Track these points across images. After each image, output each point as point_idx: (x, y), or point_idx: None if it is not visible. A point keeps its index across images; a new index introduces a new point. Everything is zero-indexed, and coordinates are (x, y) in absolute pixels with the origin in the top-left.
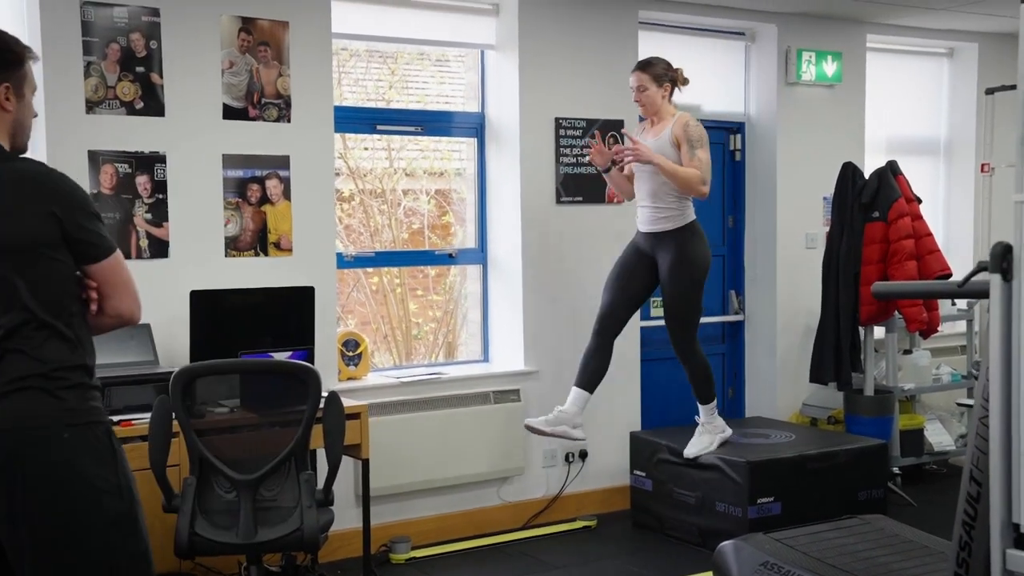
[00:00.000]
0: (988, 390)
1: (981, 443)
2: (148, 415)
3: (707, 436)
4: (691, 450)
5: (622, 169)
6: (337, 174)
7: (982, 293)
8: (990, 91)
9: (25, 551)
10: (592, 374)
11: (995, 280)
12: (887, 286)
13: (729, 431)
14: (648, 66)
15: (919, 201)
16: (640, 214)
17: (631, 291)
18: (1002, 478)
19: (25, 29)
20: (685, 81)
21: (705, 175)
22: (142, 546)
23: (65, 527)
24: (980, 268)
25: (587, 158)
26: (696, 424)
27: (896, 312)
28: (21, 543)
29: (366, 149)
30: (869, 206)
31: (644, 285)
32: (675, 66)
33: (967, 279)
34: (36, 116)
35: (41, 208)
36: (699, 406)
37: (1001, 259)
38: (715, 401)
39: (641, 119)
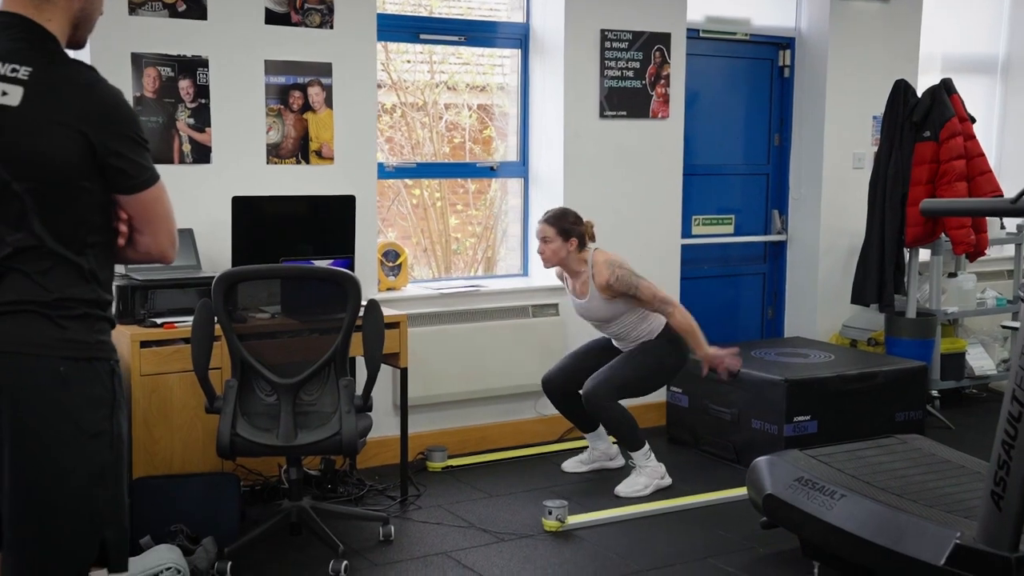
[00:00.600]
0: None
1: None
2: (190, 318)
3: (643, 478)
4: (623, 489)
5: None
6: (379, 85)
7: None
8: None
9: (2, 485)
10: (580, 419)
11: None
12: (936, 203)
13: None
14: (557, 219)
15: (973, 121)
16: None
17: (585, 369)
18: None
19: None
20: (592, 237)
21: (668, 300)
22: (121, 498)
23: (45, 467)
24: None
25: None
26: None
27: (943, 234)
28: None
29: (408, 61)
30: (920, 125)
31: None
32: (585, 220)
33: (1020, 195)
34: (102, 14)
35: (71, 127)
36: (631, 454)
37: None
38: (647, 447)
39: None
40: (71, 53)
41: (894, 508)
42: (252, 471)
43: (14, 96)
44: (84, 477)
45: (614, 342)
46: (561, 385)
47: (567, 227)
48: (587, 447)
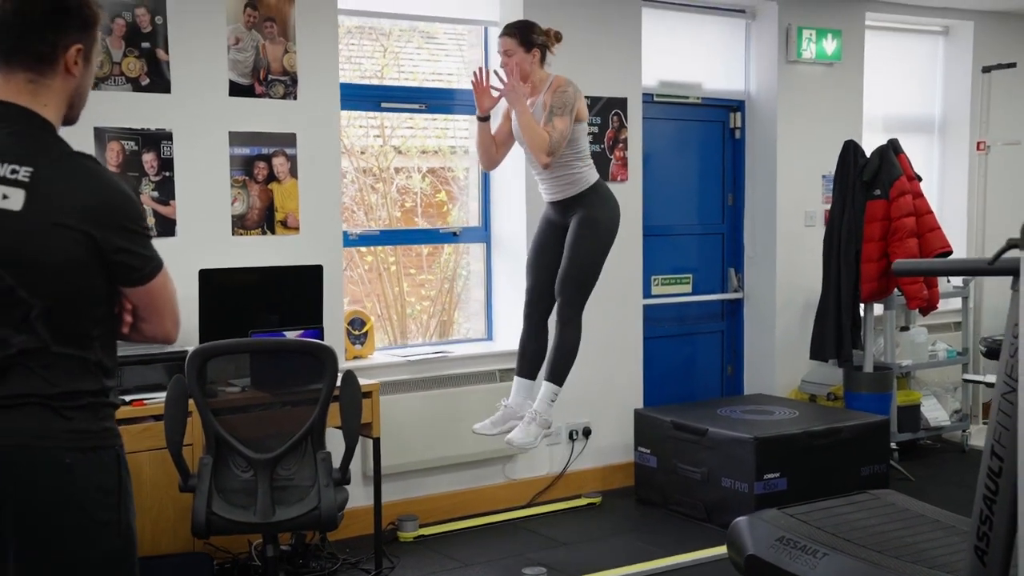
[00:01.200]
0: (1012, 366)
1: (1004, 419)
2: (159, 394)
3: (535, 428)
4: (516, 438)
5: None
6: None
7: (1011, 270)
8: (986, 69)
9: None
10: (531, 361)
11: None
12: (908, 264)
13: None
14: (519, 29)
15: (919, 179)
16: (540, 185)
17: (553, 267)
18: None
19: None
20: (558, 38)
21: (553, 145)
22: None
23: (55, 561)
24: (1010, 245)
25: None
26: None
27: (896, 289)
28: (6, 572)
29: (361, 127)
30: (870, 184)
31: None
32: (545, 27)
33: (997, 256)
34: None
35: (75, 228)
36: (544, 385)
37: None
38: (560, 389)
39: None
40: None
41: (877, 565)
42: (221, 549)
43: (15, 200)
44: (95, 568)
45: (550, 197)
46: (548, 295)
47: (530, 37)
48: (503, 406)
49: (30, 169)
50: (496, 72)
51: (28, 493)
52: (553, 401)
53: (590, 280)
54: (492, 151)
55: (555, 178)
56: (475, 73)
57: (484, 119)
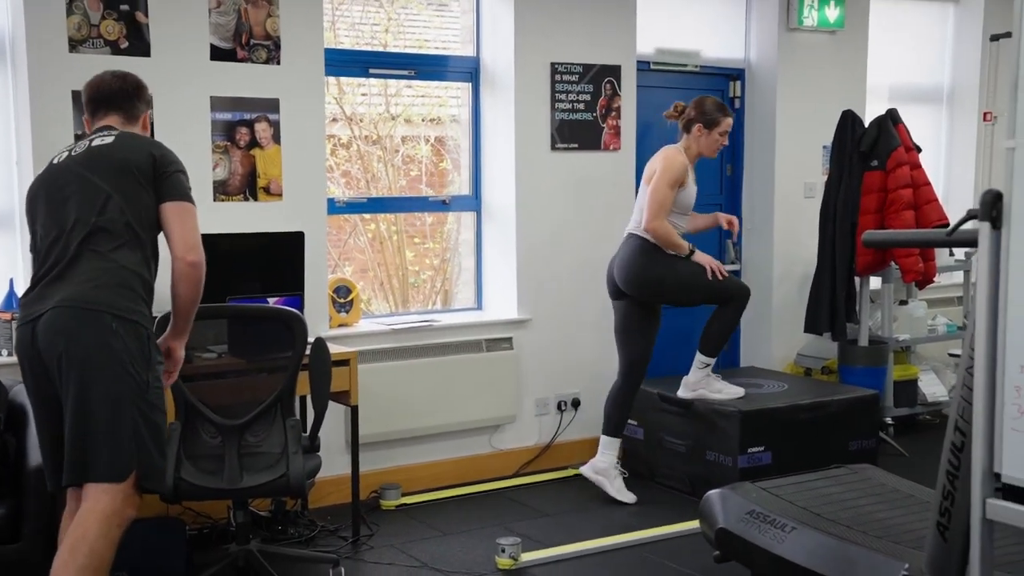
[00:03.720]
0: (973, 339)
1: (967, 393)
2: None
3: (720, 384)
4: (732, 391)
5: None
6: (334, 120)
7: (971, 242)
8: (995, 38)
9: (68, 404)
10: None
11: (984, 228)
12: (877, 235)
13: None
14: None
15: (919, 150)
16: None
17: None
18: (985, 427)
19: None
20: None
21: (651, 209)
22: (158, 436)
23: (97, 390)
24: (970, 216)
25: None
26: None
27: (892, 262)
28: (67, 397)
29: (363, 95)
30: (868, 155)
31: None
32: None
33: (956, 227)
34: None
35: (144, 150)
36: (701, 356)
37: (991, 207)
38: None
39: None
40: None
41: (844, 540)
42: (200, 514)
43: (109, 140)
44: (128, 396)
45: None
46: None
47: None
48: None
49: (118, 133)
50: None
51: (82, 340)
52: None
53: (701, 287)
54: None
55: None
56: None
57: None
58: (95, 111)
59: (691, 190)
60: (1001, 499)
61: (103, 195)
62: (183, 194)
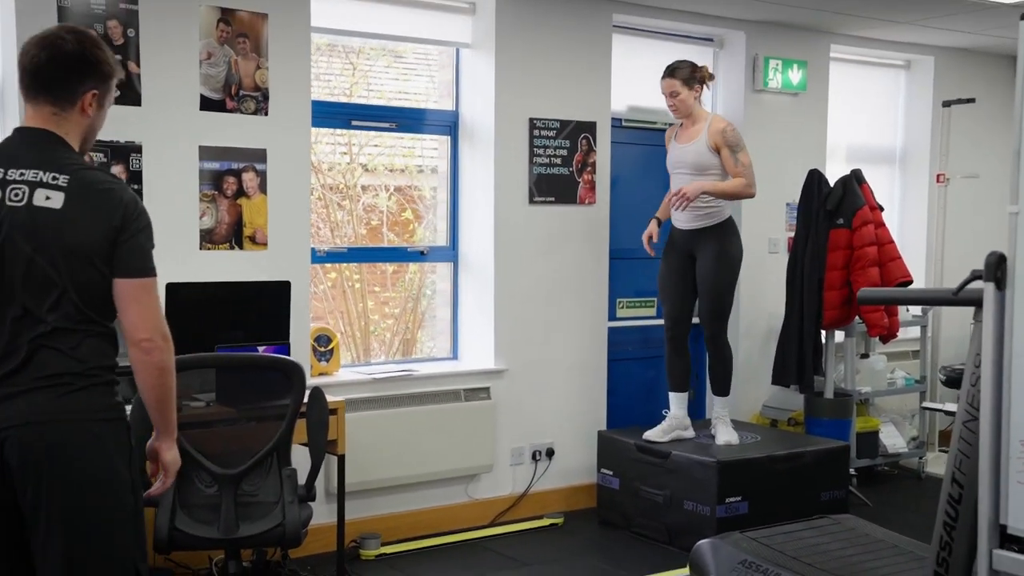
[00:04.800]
0: (974, 395)
1: (965, 447)
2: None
3: (731, 427)
4: (722, 439)
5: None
6: None
7: (975, 301)
8: (947, 103)
9: (50, 545)
10: (681, 375)
11: (989, 289)
12: (874, 292)
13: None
14: (676, 71)
15: (881, 209)
16: (678, 213)
17: (687, 291)
18: (991, 480)
19: (1, 15)
20: (711, 77)
21: (750, 179)
22: (144, 537)
23: (92, 516)
24: (974, 276)
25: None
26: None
27: (857, 317)
28: (47, 537)
29: (328, 144)
30: (834, 213)
31: (693, 281)
32: (699, 64)
33: (961, 287)
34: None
35: (102, 220)
36: (718, 401)
37: (995, 268)
38: (729, 398)
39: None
40: None
41: None
42: (181, 565)
43: (57, 200)
44: (122, 520)
45: (685, 226)
46: (687, 317)
47: (688, 76)
48: (666, 415)
49: (67, 176)
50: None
51: (68, 460)
52: (726, 406)
53: (728, 306)
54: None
55: (697, 208)
56: (647, 241)
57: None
58: (27, 90)
59: (672, 153)
60: (1007, 551)
61: (55, 290)
62: (142, 267)
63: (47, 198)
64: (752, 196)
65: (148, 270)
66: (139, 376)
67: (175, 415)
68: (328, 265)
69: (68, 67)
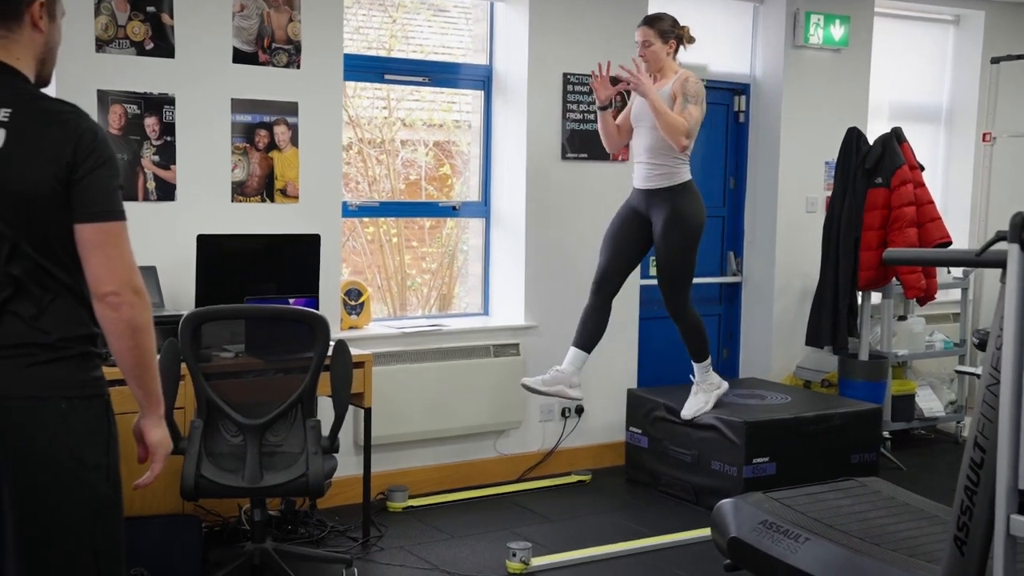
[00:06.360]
0: (997, 358)
1: (988, 410)
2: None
3: (702, 395)
4: (688, 411)
5: (615, 113)
6: None
7: (999, 263)
8: (995, 60)
9: (4, 526)
10: (590, 334)
11: (1013, 250)
12: (899, 252)
13: (725, 385)
14: (655, 21)
15: (922, 168)
16: (636, 170)
17: (627, 250)
18: (1010, 445)
19: None
20: (691, 39)
21: (691, 129)
22: (120, 531)
23: (48, 503)
24: (998, 238)
25: (589, 92)
26: (692, 384)
27: (894, 278)
28: (3, 528)
29: (367, 98)
30: (872, 172)
31: (640, 244)
32: (682, 23)
33: (985, 248)
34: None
35: (53, 153)
36: (693, 364)
37: (1020, 229)
38: (709, 359)
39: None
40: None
41: (858, 552)
42: (212, 512)
43: None
44: (85, 511)
45: (641, 184)
46: (619, 276)
47: (666, 29)
48: (553, 369)
49: (8, 110)
50: (622, 65)
51: (24, 441)
52: (708, 371)
53: (684, 276)
54: (615, 137)
55: (652, 165)
56: (598, 66)
57: (604, 108)
58: None
59: (635, 106)
60: None
61: (6, 244)
62: (105, 209)
63: None
64: (681, 147)
65: (113, 213)
66: (109, 338)
67: (159, 385)
68: (366, 220)
69: None
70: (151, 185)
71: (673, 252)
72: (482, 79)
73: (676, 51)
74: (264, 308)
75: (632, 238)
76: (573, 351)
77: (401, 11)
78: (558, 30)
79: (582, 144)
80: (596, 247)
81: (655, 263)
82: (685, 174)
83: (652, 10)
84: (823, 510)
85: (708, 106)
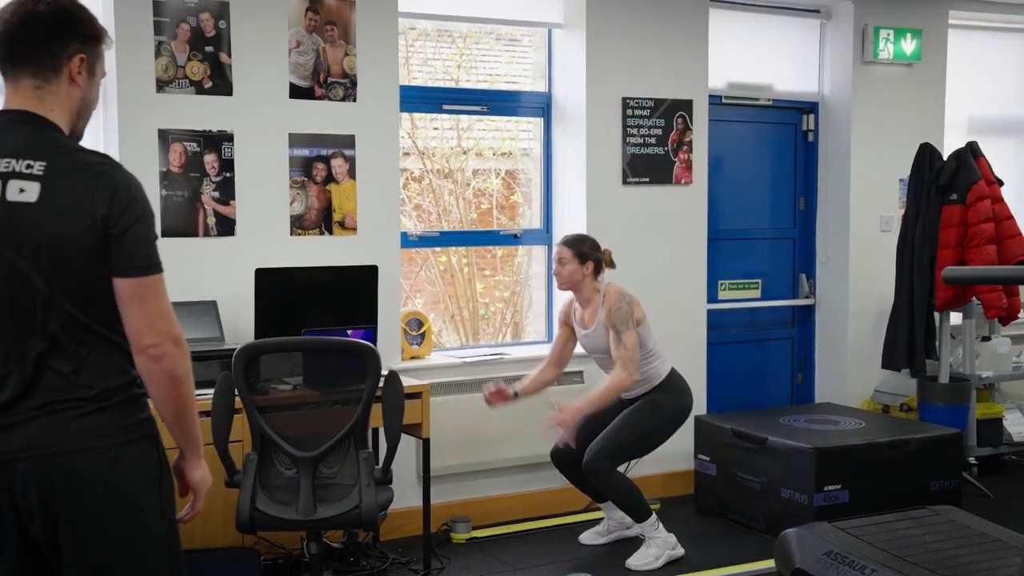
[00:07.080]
0: None
1: None
2: (210, 391)
3: (655, 549)
4: (634, 561)
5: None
6: (406, 154)
7: None
8: None
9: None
10: (596, 488)
11: None
12: (959, 271)
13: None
14: (574, 243)
15: (1000, 183)
16: None
17: (590, 428)
18: None
19: (99, 9)
20: (611, 264)
21: (629, 365)
22: (179, 566)
23: (107, 552)
24: None
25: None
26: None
27: (974, 297)
28: (63, 564)
29: (435, 128)
30: (947, 188)
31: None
32: (603, 247)
33: None
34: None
35: (88, 207)
36: (636, 525)
37: None
38: (653, 515)
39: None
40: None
41: None
42: (274, 544)
43: (31, 192)
44: (144, 553)
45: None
46: (568, 455)
47: (584, 251)
48: (604, 518)
49: (44, 163)
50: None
51: (78, 494)
52: (657, 527)
53: (633, 448)
54: (540, 385)
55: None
56: (487, 389)
57: (517, 395)
58: (3, 64)
59: (581, 339)
60: None
61: (40, 297)
62: (143, 264)
63: (21, 191)
64: (637, 378)
65: (151, 267)
66: (150, 388)
67: (198, 429)
68: (438, 249)
69: (46, 29)
70: (211, 221)
71: (633, 423)
72: (541, 106)
73: (595, 273)
74: (313, 340)
75: (601, 419)
76: (604, 507)
77: (468, 41)
78: (616, 55)
79: (643, 168)
80: (658, 271)
81: (611, 426)
82: (663, 369)
83: (714, 32)
84: (892, 540)
85: (776, 126)
